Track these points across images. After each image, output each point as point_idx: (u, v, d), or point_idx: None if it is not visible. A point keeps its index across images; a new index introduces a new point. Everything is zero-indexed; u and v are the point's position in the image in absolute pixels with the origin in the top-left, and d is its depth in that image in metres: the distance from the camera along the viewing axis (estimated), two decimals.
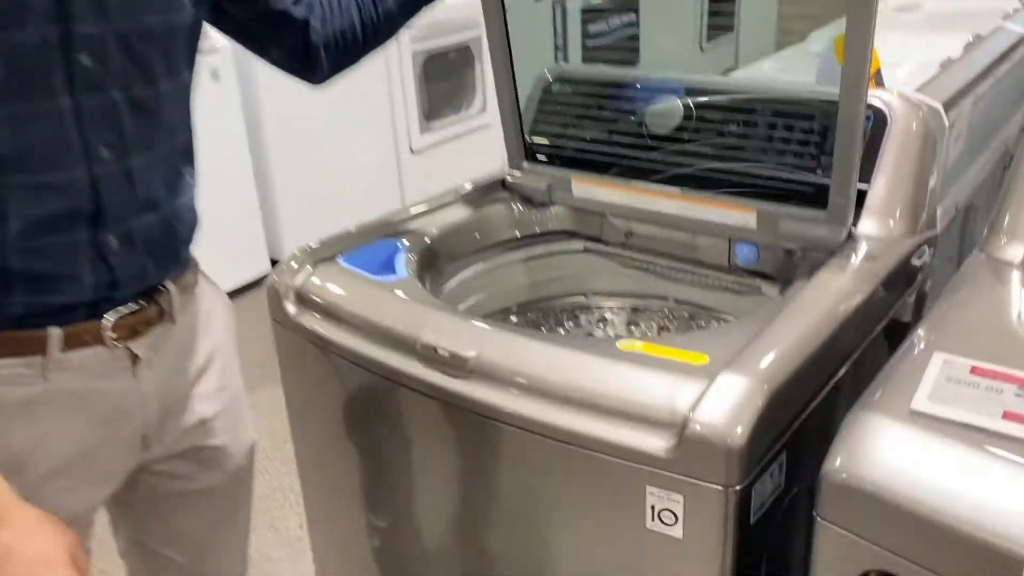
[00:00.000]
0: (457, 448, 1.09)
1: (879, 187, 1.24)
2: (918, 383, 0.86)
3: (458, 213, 1.46)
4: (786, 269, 1.27)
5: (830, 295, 1.09)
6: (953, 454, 0.79)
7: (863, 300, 1.10)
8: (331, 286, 1.23)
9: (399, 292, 1.19)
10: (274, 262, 3.47)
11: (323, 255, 1.29)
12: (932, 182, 1.30)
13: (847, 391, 1.10)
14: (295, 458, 1.43)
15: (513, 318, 1.56)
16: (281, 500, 2.34)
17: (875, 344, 1.16)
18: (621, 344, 1.01)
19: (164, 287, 1.02)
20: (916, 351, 0.95)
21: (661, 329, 1.61)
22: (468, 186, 1.53)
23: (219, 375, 1.13)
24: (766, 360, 0.95)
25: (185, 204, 1.05)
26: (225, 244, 3.32)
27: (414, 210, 1.45)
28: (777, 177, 1.28)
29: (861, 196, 1.23)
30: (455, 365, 1.04)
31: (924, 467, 0.79)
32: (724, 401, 0.89)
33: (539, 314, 1.59)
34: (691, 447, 0.88)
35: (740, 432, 0.87)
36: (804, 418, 1.00)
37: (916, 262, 1.24)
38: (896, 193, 1.25)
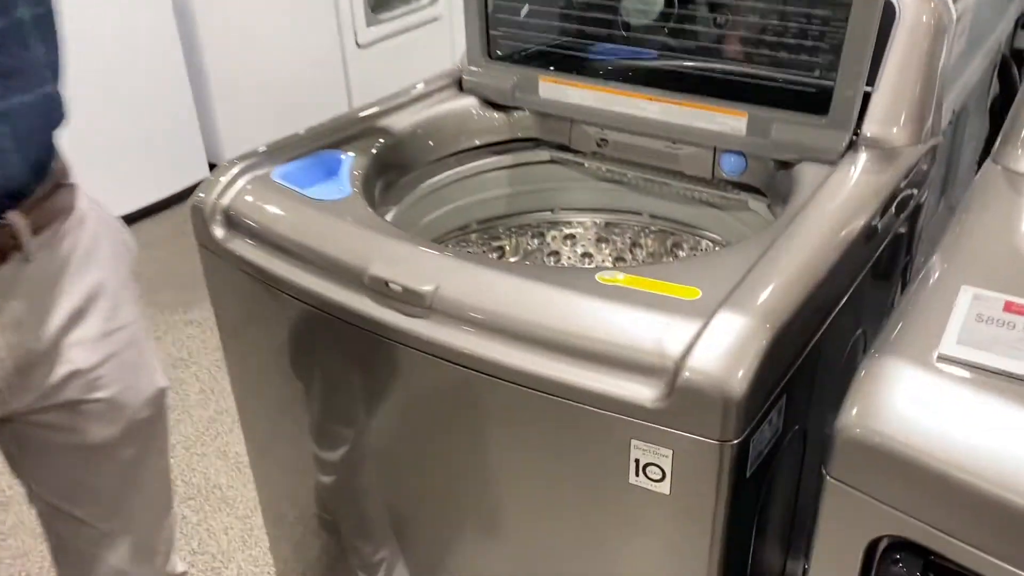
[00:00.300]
0: (414, 393, 0.97)
1: (885, 89, 1.10)
2: (944, 323, 0.75)
3: (409, 118, 1.29)
4: (776, 183, 1.14)
5: (833, 216, 0.96)
6: (988, 407, 0.69)
7: (868, 221, 0.98)
8: (265, 206, 1.07)
9: (343, 213, 1.04)
10: (212, 166, 3.25)
11: (255, 169, 1.12)
12: (939, 84, 1.17)
13: (848, 320, 1.00)
14: (231, 388, 1.30)
15: (473, 236, 1.42)
16: (230, 424, 2.22)
17: (876, 265, 1.05)
18: (601, 276, 0.87)
19: (3, 218, 0.82)
20: (935, 281, 0.83)
21: (635, 246, 1.48)
22: (420, 86, 1.36)
23: (103, 318, 0.95)
24: (767, 293, 0.83)
25: (30, 105, 0.81)
26: (158, 148, 3.09)
27: (360, 114, 1.28)
28: (771, 77, 1.14)
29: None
30: (410, 301, 0.90)
31: (953, 422, 0.69)
32: (721, 344, 0.77)
33: (503, 232, 1.46)
34: (683, 398, 0.77)
35: (740, 381, 0.75)
36: (806, 354, 0.89)
37: (920, 174, 1.12)
38: (902, 96, 1.11)
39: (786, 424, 0.89)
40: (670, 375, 0.77)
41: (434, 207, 1.34)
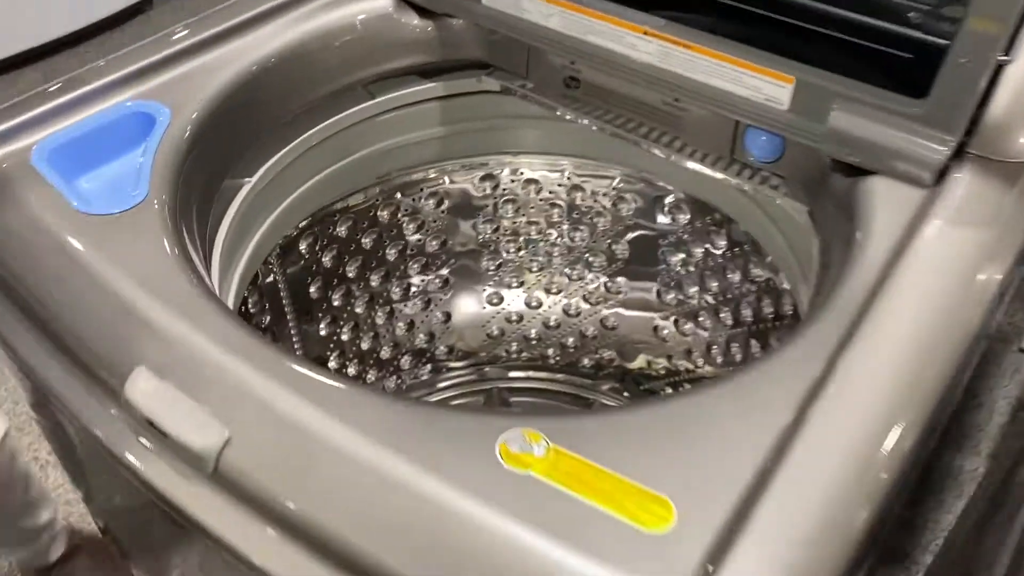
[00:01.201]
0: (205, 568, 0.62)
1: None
2: None
3: (284, 32, 0.85)
4: (829, 191, 0.73)
5: (929, 324, 0.56)
6: None
7: (989, 305, 0.58)
8: (6, 218, 0.67)
9: (119, 243, 0.64)
10: None
11: (12, 138, 0.72)
12: None
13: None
14: None
15: (394, 194, 1.02)
16: None
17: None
18: (506, 452, 0.50)
19: None
20: None
21: (619, 201, 1.08)
22: None
23: None
24: (799, 531, 0.46)
25: None
26: None
27: (207, 31, 0.83)
28: (840, 21, 0.69)
29: None
30: (182, 457, 0.53)
31: None
32: None
33: (437, 179, 1.06)
34: None
35: None
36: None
37: None
38: None
39: None
40: None
41: (328, 160, 0.94)
